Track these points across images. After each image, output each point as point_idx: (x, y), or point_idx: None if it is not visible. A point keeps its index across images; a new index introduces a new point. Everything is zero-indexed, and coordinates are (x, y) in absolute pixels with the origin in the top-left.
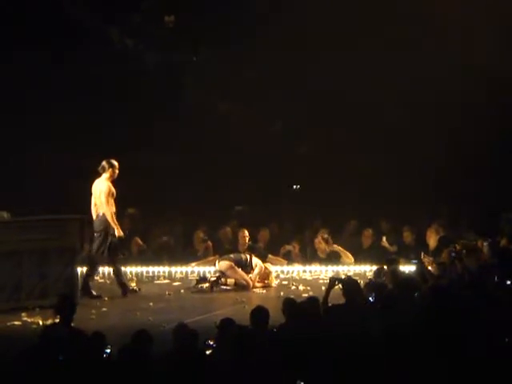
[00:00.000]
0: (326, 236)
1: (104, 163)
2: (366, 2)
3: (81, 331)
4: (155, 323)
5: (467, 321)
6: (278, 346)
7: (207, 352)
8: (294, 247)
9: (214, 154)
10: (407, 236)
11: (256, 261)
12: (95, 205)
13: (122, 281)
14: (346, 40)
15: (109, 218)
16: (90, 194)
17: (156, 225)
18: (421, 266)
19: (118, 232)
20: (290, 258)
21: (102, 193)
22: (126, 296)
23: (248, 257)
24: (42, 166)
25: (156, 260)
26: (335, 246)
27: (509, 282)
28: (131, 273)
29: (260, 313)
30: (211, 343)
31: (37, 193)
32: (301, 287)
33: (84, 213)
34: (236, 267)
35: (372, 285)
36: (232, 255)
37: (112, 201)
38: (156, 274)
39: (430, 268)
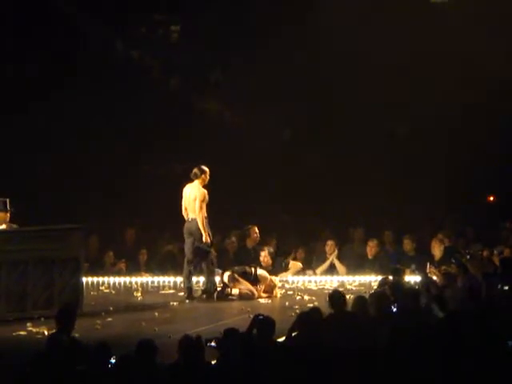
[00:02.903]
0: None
1: (196, 170)
2: (372, 13)
3: (79, 341)
4: (160, 333)
5: (470, 331)
6: (286, 355)
7: (212, 362)
8: (298, 254)
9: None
10: (407, 244)
11: (261, 273)
12: (185, 209)
13: (188, 285)
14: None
15: (199, 223)
16: (180, 198)
17: (161, 235)
18: (425, 276)
19: (206, 239)
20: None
21: (196, 199)
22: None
23: (253, 269)
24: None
25: (161, 270)
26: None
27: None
28: (136, 283)
29: (266, 323)
30: (213, 344)
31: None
32: (306, 297)
33: None
34: (240, 278)
35: (374, 295)
36: (236, 267)
37: (205, 207)
38: (161, 284)
39: (435, 278)
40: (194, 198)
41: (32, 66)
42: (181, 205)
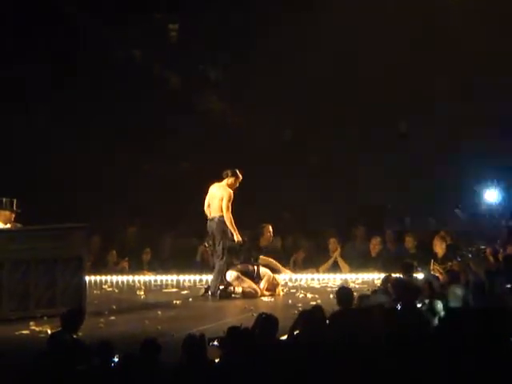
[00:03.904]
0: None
1: (228, 171)
2: (372, 13)
3: (81, 341)
4: (164, 332)
5: (473, 329)
6: (288, 354)
7: (216, 360)
8: (298, 255)
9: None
10: (409, 242)
11: (264, 271)
12: (208, 206)
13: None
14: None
15: (228, 223)
16: (205, 194)
17: (161, 234)
18: (428, 273)
19: (237, 237)
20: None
21: (223, 198)
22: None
23: (255, 267)
24: None
25: (163, 269)
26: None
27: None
28: (139, 281)
29: (269, 321)
30: (216, 344)
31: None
32: (309, 295)
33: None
34: (243, 277)
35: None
36: (239, 266)
37: (230, 206)
38: (164, 282)
39: (438, 275)
40: (220, 197)
41: (32, 66)
42: (203, 202)
